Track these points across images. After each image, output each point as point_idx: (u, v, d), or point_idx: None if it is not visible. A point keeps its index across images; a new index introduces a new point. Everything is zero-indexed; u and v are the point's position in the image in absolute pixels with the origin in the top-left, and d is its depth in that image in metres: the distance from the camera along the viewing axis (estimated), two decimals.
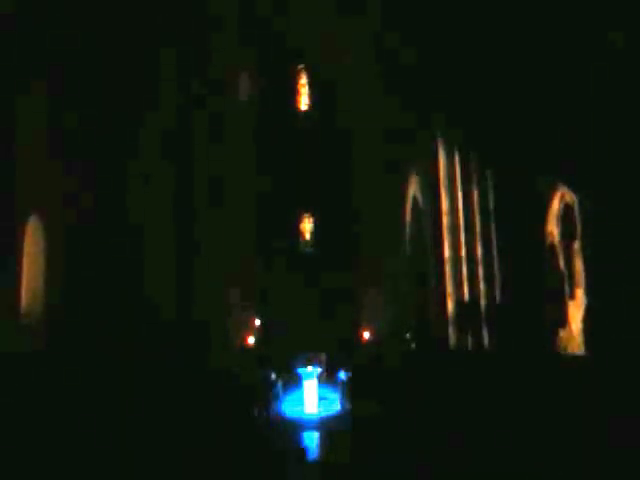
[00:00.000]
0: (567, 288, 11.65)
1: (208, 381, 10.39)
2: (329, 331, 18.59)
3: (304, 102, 21.76)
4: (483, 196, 13.39)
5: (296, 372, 14.80)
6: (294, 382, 15.04)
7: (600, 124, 9.48)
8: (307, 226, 21.34)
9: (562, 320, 11.61)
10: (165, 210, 16.21)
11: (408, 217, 17.99)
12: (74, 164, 13.77)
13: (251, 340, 18.38)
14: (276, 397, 14.07)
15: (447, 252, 14.17)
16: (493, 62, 12.17)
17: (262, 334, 19.15)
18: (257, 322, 19.31)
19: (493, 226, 13.14)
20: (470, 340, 13.51)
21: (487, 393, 7.95)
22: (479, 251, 13.42)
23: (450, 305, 14.07)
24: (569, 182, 11.19)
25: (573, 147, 10.10)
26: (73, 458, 6.09)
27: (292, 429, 11.77)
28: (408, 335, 16.06)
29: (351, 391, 13.11)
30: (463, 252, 13.77)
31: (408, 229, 18.02)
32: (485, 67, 12.41)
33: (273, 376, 14.29)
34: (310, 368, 14.43)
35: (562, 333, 11.62)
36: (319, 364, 15.71)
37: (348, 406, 13.27)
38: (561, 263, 11.85)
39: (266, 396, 12.77)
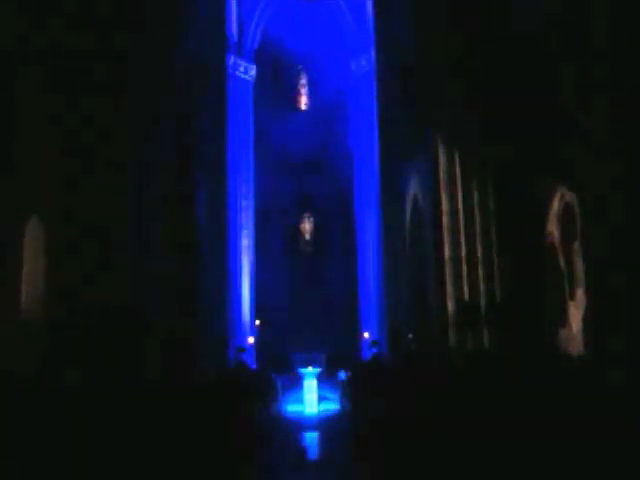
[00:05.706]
0: (567, 288, 11.65)
1: (207, 381, 10.39)
2: (329, 331, 18.60)
3: (304, 102, 21.78)
4: (483, 196, 13.39)
5: (296, 372, 14.81)
6: (294, 382, 15.05)
7: (600, 124, 9.48)
8: (307, 226, 21.36)
9: (562, 320, 11.60)
10: (165, 210, 16.16)
11: (408, 217, 17.97)
12: (74, 163, 13.74)
13: (251, 340, 18.38)
14: (276, 397, 14.08)
15: (447, 252, 14.16)
16: (494, 61, 12.17)
17: (262, 334, 19.15)
18: (257, 322, 19.30)
19: (493, 226, 13.13)
20: (470, 340, 13.50)
21: (487, 393, 7.95)
22: (479, 251, 13.42)
23: (450, 305, 14.06)
24: (569, 182, 11.19)
25: (573, 147, 10.10)
26: (76, 461, 6.11)
27: (292, 429, 11.77)
28: (410, 335, 16.05)
29: (351, 391, 13.12)
30: (463, 252, 13.77)
31: (408, 229, 18.00)
32: (486, 66, 12.41)
33: (273, 376, 14.30)
34: (310, 368, 14.45)
35: (562, 333, 11.61)
36: (319, 364, 15.72)
37: (348, 406, 13.27)
38: (561, 263, 11.85)
39: (266, 396, 12.78)
